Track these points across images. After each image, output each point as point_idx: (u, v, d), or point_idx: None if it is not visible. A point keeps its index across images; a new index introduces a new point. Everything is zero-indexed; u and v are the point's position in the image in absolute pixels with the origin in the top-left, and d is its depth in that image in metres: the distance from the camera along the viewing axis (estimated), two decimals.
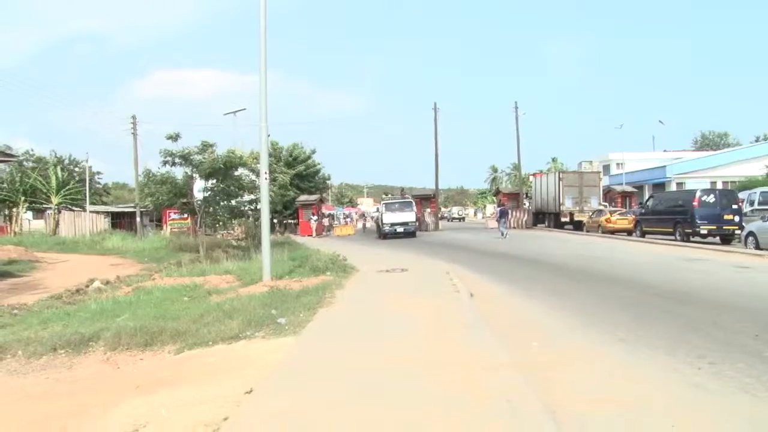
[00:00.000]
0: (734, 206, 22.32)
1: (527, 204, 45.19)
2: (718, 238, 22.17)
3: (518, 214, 42.58)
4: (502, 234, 29.31)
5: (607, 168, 55.15)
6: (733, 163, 46.52)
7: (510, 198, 47.60)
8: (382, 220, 35.86)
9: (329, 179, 62.51)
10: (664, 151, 60.34)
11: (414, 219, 35.93)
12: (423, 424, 4.07)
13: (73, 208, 41.73)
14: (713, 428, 4.16)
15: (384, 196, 38.06)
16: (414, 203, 38.03)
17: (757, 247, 18.07)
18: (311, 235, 39.51)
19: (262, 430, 4.14)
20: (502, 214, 31.78)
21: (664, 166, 48.33)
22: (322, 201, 52.03)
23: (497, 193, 56.12)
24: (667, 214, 24.29)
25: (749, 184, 35.71)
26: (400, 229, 34.88)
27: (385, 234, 35.04)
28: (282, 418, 4.33)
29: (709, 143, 74.86)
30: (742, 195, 25.39)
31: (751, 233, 18.79)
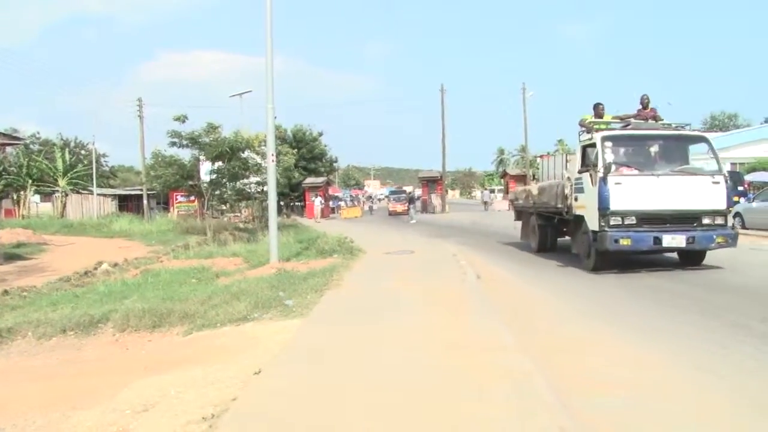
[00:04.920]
0: (740, 188, 22.29)
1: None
2: None
3: None
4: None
5: None
6: (742, 144, 45.95)
7: (517, 180, 47.43)
8: (601, 201, 10.33)
9: (336, 161, 62.39)
10: None
11: (725, 204, 10.78)
12: (429, 405, 4.08)
13: (80, 191, 41.85)
14: (719, 411, 4.16)
15: (596, 117, 12.06)
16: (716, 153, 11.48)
17: (743, 226, 18.51)
18: (316, 219, 38.15)
19: (270, 410, 4.16)
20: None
21: None
22: (329, 183, 52.06)
23: (504, 175, 55.97)
24: None
25: (758, 166, 35.44)
26: (672, 241, 10.23)
27: (605, 252, 10.51)
28: (290, 398, 4.34)
29: (719, 124, 74.04)
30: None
31: (737, 213, 19.43)
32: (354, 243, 15.40)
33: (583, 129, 11.72)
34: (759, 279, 9.66)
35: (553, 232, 14.22)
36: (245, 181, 25.82)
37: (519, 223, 16.59)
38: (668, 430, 3.79)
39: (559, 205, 12.38)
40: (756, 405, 4.19)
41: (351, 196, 66.20)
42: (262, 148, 22.58)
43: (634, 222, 10.23)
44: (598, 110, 12.19)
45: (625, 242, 10.05)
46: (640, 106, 12.22)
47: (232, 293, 8.94)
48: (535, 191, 14.73)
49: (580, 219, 11.31)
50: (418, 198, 48.61)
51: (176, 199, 39.56)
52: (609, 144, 10.78)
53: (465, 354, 5.23)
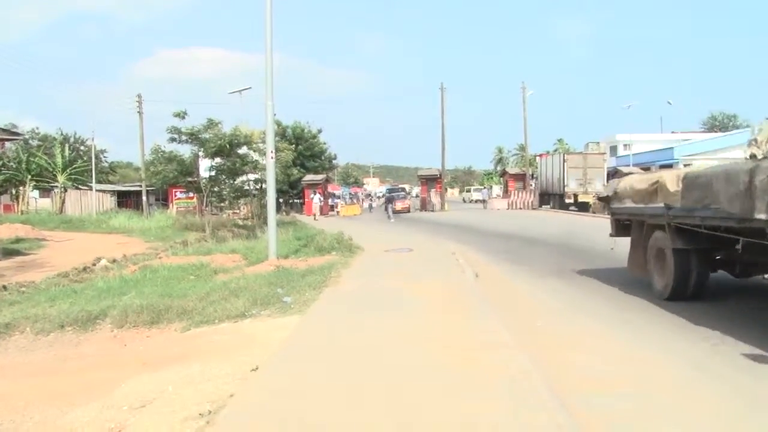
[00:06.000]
0: None
1: (533, 185, 45.11)
2: None
3: (524, 195, 42.70)
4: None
5: (614, 149, 54.76)
6: (741, 144, 45.98)
7: (516, 179, 47.52)
8: None
9: (335, 159, 62.27)
10: (672, 132, 59.79)
11: None
12: (428, 402, 4.08)
13: (80, 186, 41.80)
14: (714, 406, 4.17)
15: None
16: None
17: None
18: (314, 217, 37.93)
19: (268, 406, 4.17)
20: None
21: (672, 148, 47.86)
22: (328, 181, 51.97)
23: (504, 174, 55.97)
24: None
25: None
26: None
27: None
28: (287, 395, 4.35)
29: (718, 125, 74.09)
30: None
31: None
32: (353, 240, 15.40)
33: None
34: None
35: (702, 265, 7.62)
36: (244, 178, 25.84)
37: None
38: None
39: (762, 216, 5.45)
40: None
41: (350, 193, 66.21)
42: (260, 144, 22.56)
43: None
44: None
45: None
46: None
47: (231, 290, 8.96)
48: (673, 184, 7.42)
49: None
50: (417, 196, 48.71)
51: (175, 196, 39.51)
52: None
53: (463, 353, 5.24)
